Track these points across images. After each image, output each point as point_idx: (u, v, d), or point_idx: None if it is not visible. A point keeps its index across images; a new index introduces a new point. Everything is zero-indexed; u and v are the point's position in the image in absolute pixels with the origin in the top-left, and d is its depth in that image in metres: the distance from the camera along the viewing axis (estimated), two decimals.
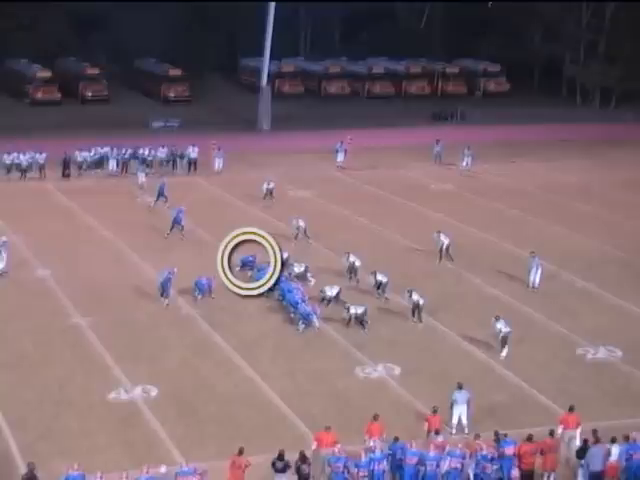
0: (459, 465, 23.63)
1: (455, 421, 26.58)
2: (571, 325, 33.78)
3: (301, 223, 41.98)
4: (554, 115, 71.34)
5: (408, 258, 40.77)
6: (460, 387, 26.85)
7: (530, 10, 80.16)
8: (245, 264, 35.90)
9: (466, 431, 26.25)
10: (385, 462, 23.65)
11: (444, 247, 39.83)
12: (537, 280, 37.12)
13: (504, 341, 31.11)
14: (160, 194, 46.95)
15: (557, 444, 24.65)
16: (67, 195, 49.79)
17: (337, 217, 46.96)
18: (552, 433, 24.67)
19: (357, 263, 37.11)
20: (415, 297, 33.74)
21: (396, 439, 24.22)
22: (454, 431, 26.39)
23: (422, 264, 39.97)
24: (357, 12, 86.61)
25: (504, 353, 31.08)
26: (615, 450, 24.01)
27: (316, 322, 32.99)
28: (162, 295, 34.97)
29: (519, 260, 39.16)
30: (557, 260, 40.04)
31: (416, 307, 33.71)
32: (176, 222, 42.29)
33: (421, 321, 33.73)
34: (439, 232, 40.25)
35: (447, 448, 23.93)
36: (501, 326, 31.09)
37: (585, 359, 31.60)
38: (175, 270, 35.07)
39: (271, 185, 48.74)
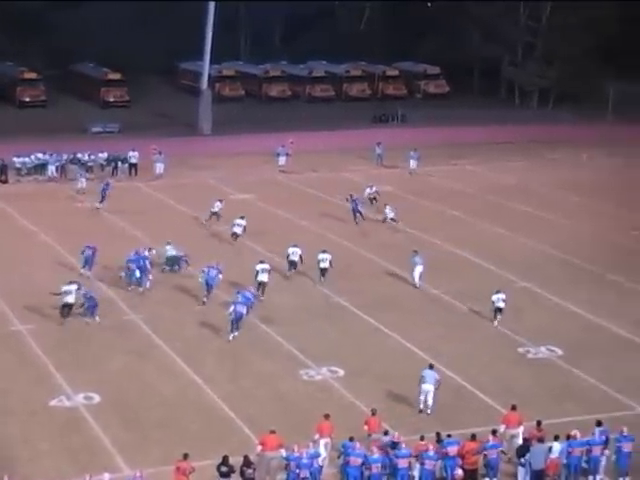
0: (432, 467, 23.83)
1: (422, 398, 27.18)
2: (512, 325, 34.09)
3: (237, 230, 41.87)
4: (493, 116, 71.74)
5: (348, 257, 40.89)
6: (431, 367, 27.52)
7: (468, 11, 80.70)
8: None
9: (428, 412, 27.11)
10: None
11: (387, 219, 44.89)
12: (417, 277, 37.65)
13: (498, 311, 33.70)
14: (103, 197, 47.19)
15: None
16: (5, 201, 49.17)
17: (279, 220, 46.93)
18: (495, 432, 24.86)
19: (296, 259, 38.12)
20: (321, 256, 36.98)
21: (351, 439, 24.23)
22: (421, 406, 27.24)
23: (365, 264, 40.13)
24: (297, 14, 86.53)
25: (495, 323, 33.74)
26: (556, 447, 24.29)
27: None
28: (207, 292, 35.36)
29: (460, 261, 39.43)
30: (497, 260, 40.41)
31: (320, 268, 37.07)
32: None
33: (320, 280, 37.11)
34: (386, 205, 45.26)
35: (407, 449, 24.03)
36: (497, 298, 33.66)
37: (526, 358, 31.94)
38: (220, 267, 35.60)
39: (374, 189, 48.98)
